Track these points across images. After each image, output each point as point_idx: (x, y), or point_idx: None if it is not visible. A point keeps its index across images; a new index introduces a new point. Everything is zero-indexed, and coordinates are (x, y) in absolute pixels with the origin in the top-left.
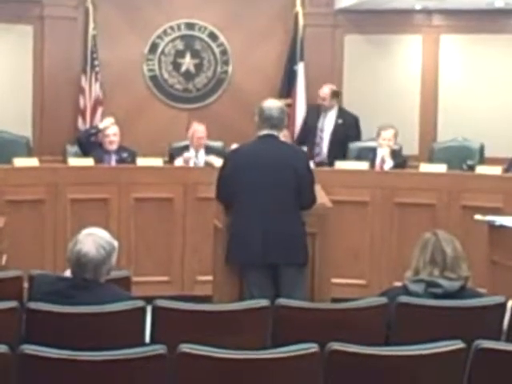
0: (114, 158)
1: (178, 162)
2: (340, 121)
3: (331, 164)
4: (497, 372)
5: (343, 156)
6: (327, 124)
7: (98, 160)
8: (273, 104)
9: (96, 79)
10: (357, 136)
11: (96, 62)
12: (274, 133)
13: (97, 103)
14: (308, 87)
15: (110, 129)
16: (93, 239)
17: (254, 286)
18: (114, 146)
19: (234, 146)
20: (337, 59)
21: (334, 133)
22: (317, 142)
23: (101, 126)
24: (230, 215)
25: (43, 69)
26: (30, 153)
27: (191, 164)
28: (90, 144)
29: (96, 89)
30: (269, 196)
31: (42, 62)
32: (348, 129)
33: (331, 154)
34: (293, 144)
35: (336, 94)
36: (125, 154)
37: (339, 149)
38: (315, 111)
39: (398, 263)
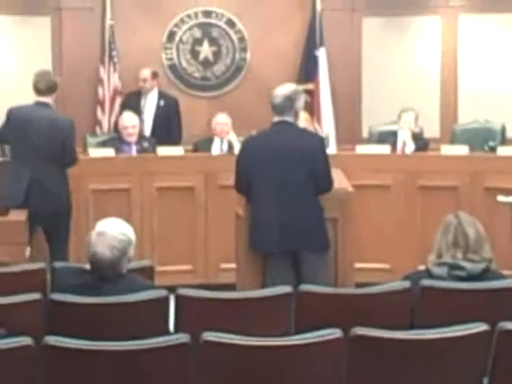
0: (134, 148)
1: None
2: (162, 102)
3: (154, 149)
4: None
5: (167, 138)
6: (148, 106)
7: (118, 151)
8: (278, 91)
9: (114, 69)
10: (178, 118)
11: (114, 53)
12: (287, 118)
13: (115, 94)
14: (328, 71)
15: (129, 120)
16: (105, 240)
17: (276, 274)
18: (132, 138)
19: (253, 132)
20: (355, 43)
21: (156, 114)
22: None
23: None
24: (250, 203)
25: (62, 60)
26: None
27: (216, 153)
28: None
29: (114, 79)
30: (284, 183)
31: (60, 53)
32: (169, 110)
33: (154, 136)
34: (307, 129)
35: (156, 75)
36: (145, 144)
37: (163, 131)
38: (135, 95)
39: (422, 246)
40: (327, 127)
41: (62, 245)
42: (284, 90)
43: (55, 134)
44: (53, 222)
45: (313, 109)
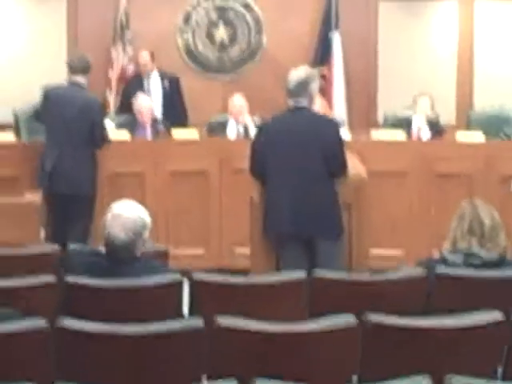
0: (149, 131)
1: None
2: (165, 83)
3: (168, 132)
4: None
5: (177, 119)
6: (153, 88)
7: (133, 134)
8: (292, 74)
9: (124, 51)
10: (181, 97)
11: (127, 36)
12: (302, 102)
13: (122, 75)
14: (343, 56)
15: (145, 103)
16: (120, 222)
17: (290, 260)
18: (146, 120)
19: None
20: (371, 26)
21: (164, 96)
22: None
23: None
24: (265, 188)
25: (76, 42)
26: None
27: (231, 136)
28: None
29: (123, 61)
30: (299, 167)
31: (75, 35)
32: (173, 90)
33: (166, 117)
34: (322, 114)
35: (154, 56)
36: (160, 127)
37: (172, 112)
38: (136, 80)
39: (437, 233)
40: (339, 112)
41: (79, 229)
42: (298, 73)
43: (86, 114)
44: (72, 204)
45: (326, 93)
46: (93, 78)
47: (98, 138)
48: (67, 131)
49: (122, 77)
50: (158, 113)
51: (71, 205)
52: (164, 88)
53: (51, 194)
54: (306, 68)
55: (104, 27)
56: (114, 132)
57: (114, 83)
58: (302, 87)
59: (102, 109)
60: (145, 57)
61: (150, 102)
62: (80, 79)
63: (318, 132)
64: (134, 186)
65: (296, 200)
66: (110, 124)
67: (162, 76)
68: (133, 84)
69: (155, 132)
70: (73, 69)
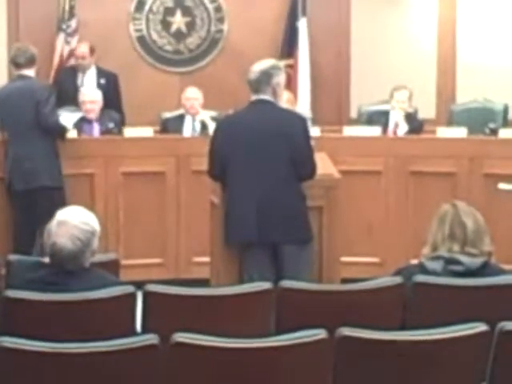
0: (97, 128)
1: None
2: (102, 80)
3: (120, 130)
4: None
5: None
6: (87, 84)
7: (79, 130)
8: (255, 67)
9: (66, 42)
10: (118, 96)
11: (71, 23)
12: (266, 97)
13: (60, 68)
14: (312, 45)
15: (88, 94)
16: (66, 230)
17: (253, 268)
18: (91, 115)
19: (229, 111)
20: (343, 13)
21: None
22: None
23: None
24: (226, 191)
25: (18, 29)
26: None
27: (188, 133)
28: None
29: (64, 53)
30: (262, 168)
31: (16, 21)
32: (110, 88)
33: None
34: (288, 109)
35: (94, 51)
36: (111, 124)
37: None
38: (69, 72)
39: (416, 238)
40: (303, 107)
41: (33, 227)
42: (261, 64)
43: (32, 101)
44: (29, 200)
45: (291, 86)
46: (37, 70)
47: (43, 122)
48: (18, 125)
49: (59, 69)
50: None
51: (34, 201)
52: (100, 86)
53: (14, 194)
54: (270, 60)
55: (48, 15)
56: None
57: (52, 75)
58: (264, 80)
59: (49, 90)
60: (83, 49)
61: (95, 94)
62: (27, 72)
63: (284, 128)
64: (81, 188)
65: (260, 204)
66: (67, 116)
67: (100, 73)
68: (65, 76)
69: (105, 129)
70: (18, 64)
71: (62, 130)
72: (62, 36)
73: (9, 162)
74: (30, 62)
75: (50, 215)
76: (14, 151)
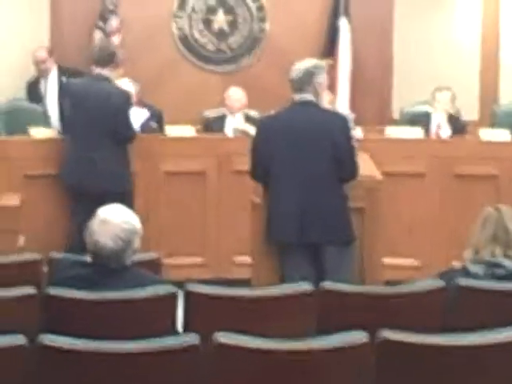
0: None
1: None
2: (64, 78)
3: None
4: None
5: None
6: (51, 87)
7: None
8: (297, 65)
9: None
10: None
11: (113, 21)
12: (307, 96)
13: None
14: (353, 45)
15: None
16: (108, 229)
17: (294, 269)
18: None
19: (272, 111)
20: (386, 13)
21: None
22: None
23: None
24: (268, 190)
25: (62, 29)
26: (47, 123)
27: (230, 133)
28: None
29: None
30: (304, 168)
31: (60, 20)
32: None
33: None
34: (330, 109)
35: (52, 52)
36: (153, 124)
37: None
38: (33, 82)
39: (457, 241)
40: (342, 107)
41: None
42: (303, 63)
43: (109, 107)
44: (100, 202)
45: (331, 87)
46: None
47: (121, 132)
48: (90, 126)
49: None
50: (55, 116)
51: (100, 204)
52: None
53: (83, 195)
54: (313, 59)
55: (89, 12)
56: None
57: None
58: (306, 79)
59: (129, 99)
60: (41, 55)
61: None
62: (104, 71)
63: (326, 128)
64: None
65: (302, 204)
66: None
67: (61, 71)
68: (30, 89)
69: (145, 127)
70: (96, 61)
71: (135, 137)
72: (98, 34)
73: (76, 161)
74: (108, 61)
75: None
76: (85, 151)
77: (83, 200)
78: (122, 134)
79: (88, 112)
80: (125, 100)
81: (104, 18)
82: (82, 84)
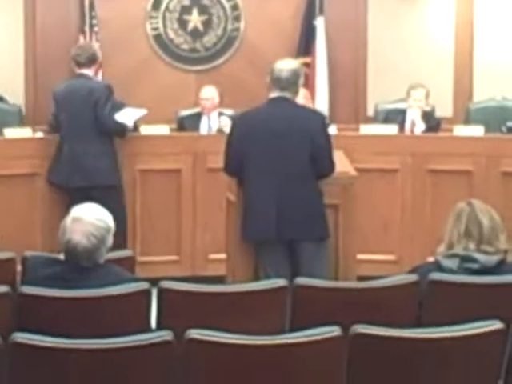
0: None
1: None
2: None
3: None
4: None
5: None
6: None
7: None
8: (284, 65)
9: (96, 39)
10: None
11: (94, 21)
12: (286, 95)
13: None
14: (328, 44)
15: None
16: (81, 227)
17: (270, 265)
18: None
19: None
20: (360, 11)
21: None
22: None
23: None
24: (243, 188)
25: (35, 30)
26: (22, 122)
27: (204, 132)
28: None
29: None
30: (281, 165)
31: (34, 22)
32: None
33: None
34: (308, 107)
35: None
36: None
37: None
38: None
39: (432, 236)
40: (321, 105)
41: None
42: (289, 64)
43: (91, 101)
44: (87, 197)
45: (308, 84)
46: (58, 69)
47: (101, 122)
48: (74, 122)
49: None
50: None
51: (91, 199)
52: None
53: (71, 191)
54: (292, 60)
55: (67, 13)
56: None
57: None
58: (293, 79)
59: (108, 90)
60: None
61: None
62: (86, 71)
63: (302, 125)
64: None
65: (277, 201)
66: (129, 112)
67: None
68: None
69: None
70: (78, 63)
71: (121, 130)
72: (89, 34)
73: (63, 160)
74: (91, 61)
75: (118, 213)
76: (71, 149)
77: (74, 197)
78: (104, 125)
79: (72, 109)
80: (105, 92)
81: (86, 18)
82: (65, 85)
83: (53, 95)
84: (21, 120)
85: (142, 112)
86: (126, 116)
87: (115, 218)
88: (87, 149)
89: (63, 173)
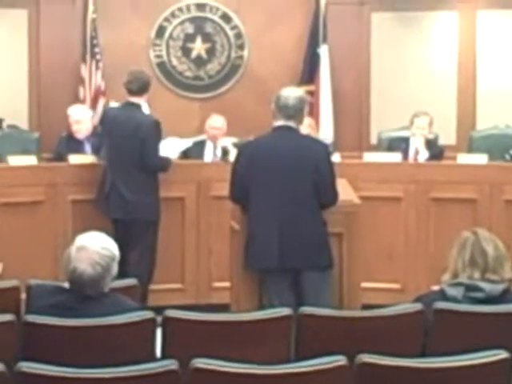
0: (87, 146)
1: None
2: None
3: None
4: None
5: None
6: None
7: (74, 151)
8: (290, 93)
9: (97, 67)
10: None
11: (97, 49)
12: (291, 124)
13: (98, 93)
14: (332, 72)
15: (73, 115)
16: (86, 256)
17: (274, 294)
18: (80, 135)
19: (251, 138)
20: (363, 40)
21: None
22: None
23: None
24: (247, 216)
25: (39, 57)
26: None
27: (209, 159)
28: None
29: (97, 78)
30: (285, 194)
31: (37, 49)
32: None
33: None
34: (312, 136)
35: None
36: None
37: None
38: None
39: (436, 265)
40: (326, 134)
41: (136, 257)
42: (295, 91)
43: (138, 137)
44: (127, 230)
45: (312, 112)
46: (60, 97)
47: (148, 160)
48: (120, 153)
49: (97, 94)
50: None
51: (128, 232)
52: None
53: (109, 220)
54: (297, 88)
55: (70, 41)
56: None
57: (88, 103)
58: (300, 107)
59: (157, 128)
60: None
61: (83, 113)
62: (137, 99)
63: (307, 155)
64: (100, 214)
65: (281, 230)
66: (174, 143)
67: None
68: None
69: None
70: (129, 90)
71: (165, 165)
72: (90, 62)
73: (106, 188)
74: (142, 89)
75: (149, 247)
76: (113, 179)
77: (116, 227)
78: (149, 164)
79: (117, 139)
80: (153, 130)
81: (90, 47)
82: (114, 112)
83: (102, 114)
84: (38, 147)
85: (188, 143)
86: (170, 148)
87: (151, 251)
88: (131, 182)
89: (106, 202)
